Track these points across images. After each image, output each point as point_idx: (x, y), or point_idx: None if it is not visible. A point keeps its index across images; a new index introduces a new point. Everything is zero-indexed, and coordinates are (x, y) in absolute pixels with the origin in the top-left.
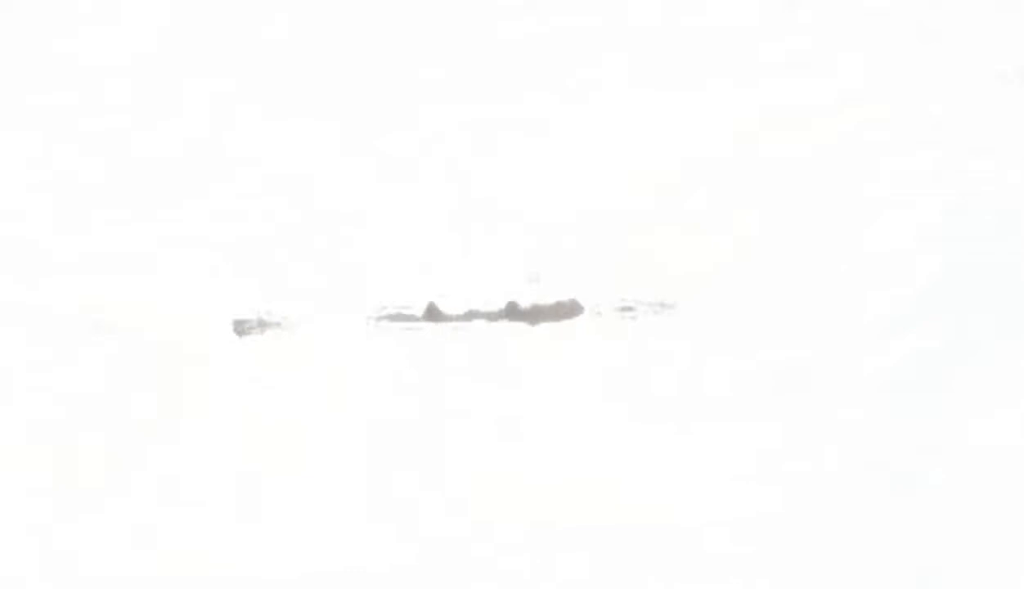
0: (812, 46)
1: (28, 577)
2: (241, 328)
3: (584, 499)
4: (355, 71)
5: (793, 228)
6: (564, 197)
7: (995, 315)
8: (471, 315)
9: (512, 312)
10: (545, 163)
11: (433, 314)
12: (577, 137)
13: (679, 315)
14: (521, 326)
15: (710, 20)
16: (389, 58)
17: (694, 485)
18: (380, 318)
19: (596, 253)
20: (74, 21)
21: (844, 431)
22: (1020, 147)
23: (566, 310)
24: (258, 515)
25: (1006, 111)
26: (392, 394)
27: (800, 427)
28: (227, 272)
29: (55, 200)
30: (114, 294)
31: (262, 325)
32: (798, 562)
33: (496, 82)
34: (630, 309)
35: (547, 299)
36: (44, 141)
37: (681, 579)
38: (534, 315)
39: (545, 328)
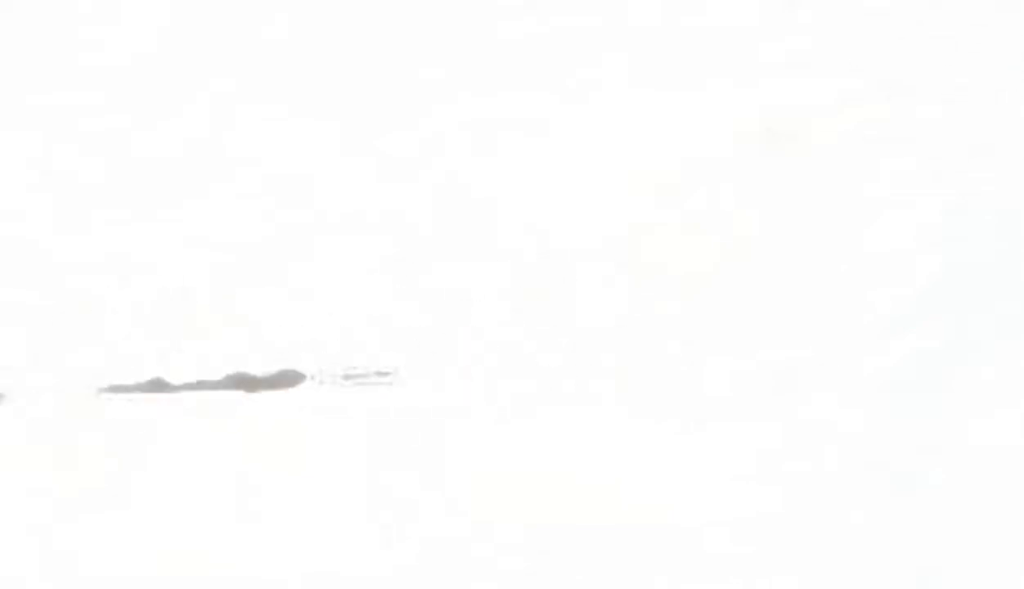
0: (812, 46)
1: (28, 577)
2: None
3: (584, 499)
4: (355, 71)
5: (793, 228)
6: (563, 197)
7: (995, 315)
8: (199, 385)
9: (238, 382)
10: (545, 163)
11: (158, 385)
12: (577, 137)
13: (398, 383)
14: (239, 394)
15: (710, 20)
16: (389, 58)
17: (694, 485)
18: (99, 391)
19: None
20: (74, 21)
21: (844, 431)
22: (1020, 147)
23: (287, 379)
24: (258, 515)
25: (1006, 111)
26: (391, 395)
27: (800, 427)
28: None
29: (55, 200)
30: (114, 294)
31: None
32: (798, 562)
33: (496, 82)
34: (354, 377)
35: (269, 368)
36: (44, 141)
37: (681, 579)
38: (252, 384)
39: (266, 397)
